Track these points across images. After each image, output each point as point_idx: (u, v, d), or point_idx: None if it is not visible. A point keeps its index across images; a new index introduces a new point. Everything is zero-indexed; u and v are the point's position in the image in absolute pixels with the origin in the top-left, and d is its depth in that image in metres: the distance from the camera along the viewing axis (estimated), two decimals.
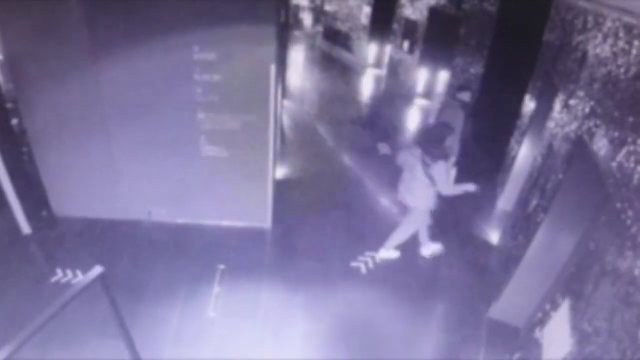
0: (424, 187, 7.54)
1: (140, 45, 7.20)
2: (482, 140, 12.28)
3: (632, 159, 4.06)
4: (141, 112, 7.77)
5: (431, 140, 7.33)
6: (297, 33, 27.11)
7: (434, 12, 15.75)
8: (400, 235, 8.44)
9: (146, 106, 7.72)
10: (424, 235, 8.65)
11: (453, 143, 8.50)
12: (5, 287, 7.22)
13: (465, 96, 9.27)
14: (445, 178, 7.33)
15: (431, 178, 7.37)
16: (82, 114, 7.75)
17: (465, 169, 10.18)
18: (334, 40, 23.65)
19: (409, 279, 8.16)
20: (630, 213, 3.87)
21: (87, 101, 7.62)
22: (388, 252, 8.61)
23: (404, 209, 9.40)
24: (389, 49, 19.65)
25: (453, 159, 9.47)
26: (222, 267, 7.93)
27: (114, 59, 7.30)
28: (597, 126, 5.18)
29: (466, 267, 8.53)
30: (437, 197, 7.74)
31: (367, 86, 19.71)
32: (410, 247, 8.80)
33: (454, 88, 9.29)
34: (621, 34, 5.11)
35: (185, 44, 7.23)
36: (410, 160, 7.57)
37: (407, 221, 8.35)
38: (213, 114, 7.84)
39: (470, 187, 7.47)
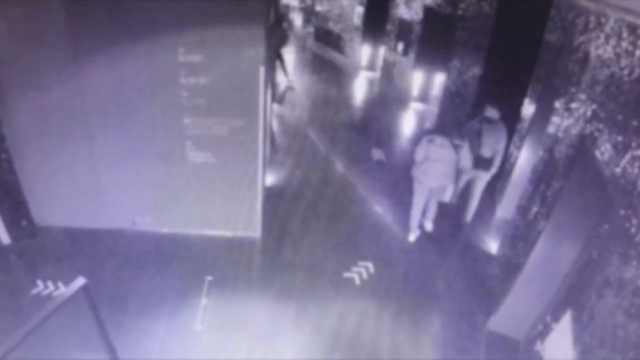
0: (454, 167, 8.64)
1: (124, 48, 7.18)
2: None
3: (636, 164, 4.07)
4: (125, 116, 7.74)
5: (452, 125, 8.25)
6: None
7: (429, 11, 15.75)
8: (435, 210, 9.55)
9: (130, 110, 7.69)
10: (417, 220, 9.48)
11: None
12: None
13: (491, 112, 9.08)
14: (469, 153, 8.64)
15: (459, 156, 8.60)
16: (63, 119, 7.72)
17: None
18: (326, 42, 23.64)
19: (404, 289, 8.15)
20: (634, 220, 3.88)
21: (68, 106, 7.59)
22: (415, 233, 9.59)
23: (400, 217, 9.45)
24: (382, 50, 19.66)
25: None
26: (209, 278, 7.91)
27: (96, 61, 7.28)
28: (599, 130, 5.19)
29: (464, 277, 8.53)
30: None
31: (360, 89, 19.70)
32: (406, 256, 8.83)
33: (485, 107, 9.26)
34: (624, 34, 5.13)
35: (170, 46, 7.20)
36: (441, 150, 8.45)
37: (436, 202, 9.38)
38: (199, 118, 7.82)
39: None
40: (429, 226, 9.59)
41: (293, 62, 21.89)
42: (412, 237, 9.42)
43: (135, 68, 7.35)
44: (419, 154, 8.67)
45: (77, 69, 7.29)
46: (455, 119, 13.21)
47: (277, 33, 13.84)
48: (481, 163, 9.04)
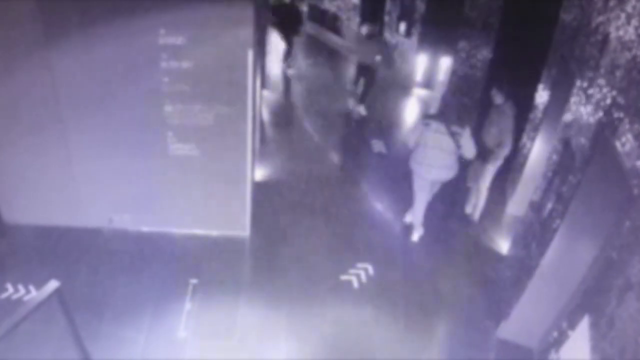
0: (455, 156, 8.55)
1: (99, 29, 7.11)
2: None
3: None
4: (100, 105, 7.70)
5: (453, 111, 8.54)
6: None
7: None
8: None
9: (106, 98, 7.65)
10: (421, 216, 9.40)
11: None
12: None
13: (495, 96, 9.06)
14: (472, 142, 8.48)
15: (459, 145, 8.41)
16: (33, 108, 7.68)
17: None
18: (320, 22, 23.55)
19: (406, 293, 8.16)
20: None
21: (39, 94, 7.55)
22: (419, 232, 9.53)
23: (402, 214, 9.44)
24: (383, 31, 19.64)
25: None
26: (193, 281, 7.90)
27: (69, 44, 7.23)
28: (620, 119, 5.19)
29: (472, 280, 8.55)
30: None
31: None
32: (409, 257, 8.83)
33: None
34: None
35: (150, 27, 7.15)
36: (435, 136, 8.37)
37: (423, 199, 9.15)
38: (182, 106, 7.79)
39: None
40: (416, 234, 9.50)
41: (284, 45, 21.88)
42: (416, 236, 9.39)
43: (112, 51, 7.29)
44: (412, 139, 8.73)
45: (48, 53, 7.25)
46: (462, 106, 13.21)
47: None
48: (480, 151, 8.98)
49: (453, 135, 8.27)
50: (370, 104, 15.31)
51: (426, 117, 8.69)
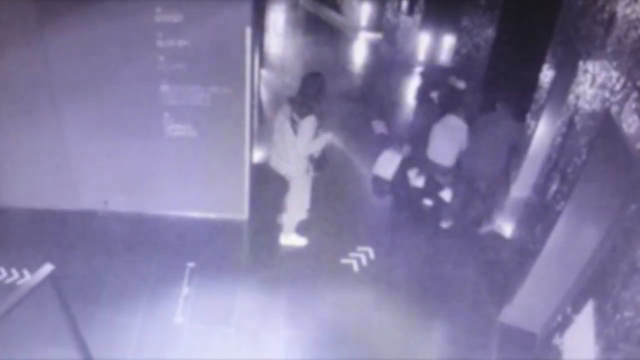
0: (294, 149, 7.55)
1: (93, 7, 7.09)
2: None
3: None
4: (95, 85, 7.68)
5: (303, 94, 7.44)
6: None
7: None
8: (292, 215, 8.45)
9: (101, 78, 7.63)
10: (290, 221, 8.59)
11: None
12: None
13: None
14: (308, 135, 7.35)
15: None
16: (26, 88, 7.66)
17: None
18: None
19: (407, 277, 8.19)
20: None
21: (32, 73, 7.53)
22: (288, 238, 8.65)
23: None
24: (385, 9, 19.58)
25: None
26: (191, 264, 7.92)
27: (62, 23, 7.20)
28: (626, 99, 5.19)
29: (474, 264, 8.57)
30: (311, 160, 7.77)
31: (359, 53, 19.64)
32: (410, 241, 8.84)
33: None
34: None
35: (146, 5, 7.13)
36: (280, 119, 7.61)
37: (290, 197, 8.30)
38: (178, 86, 7.77)
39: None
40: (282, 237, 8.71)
41: (283, 23, 21.80)
42: (283, 239, 8.68)
43: (107, 30, 7.27)
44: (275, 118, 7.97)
45: (41, 31, 7.21)
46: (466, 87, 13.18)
47: None
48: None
49: (293, 122, 7.42)
50: (372, 84, 15.27)
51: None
